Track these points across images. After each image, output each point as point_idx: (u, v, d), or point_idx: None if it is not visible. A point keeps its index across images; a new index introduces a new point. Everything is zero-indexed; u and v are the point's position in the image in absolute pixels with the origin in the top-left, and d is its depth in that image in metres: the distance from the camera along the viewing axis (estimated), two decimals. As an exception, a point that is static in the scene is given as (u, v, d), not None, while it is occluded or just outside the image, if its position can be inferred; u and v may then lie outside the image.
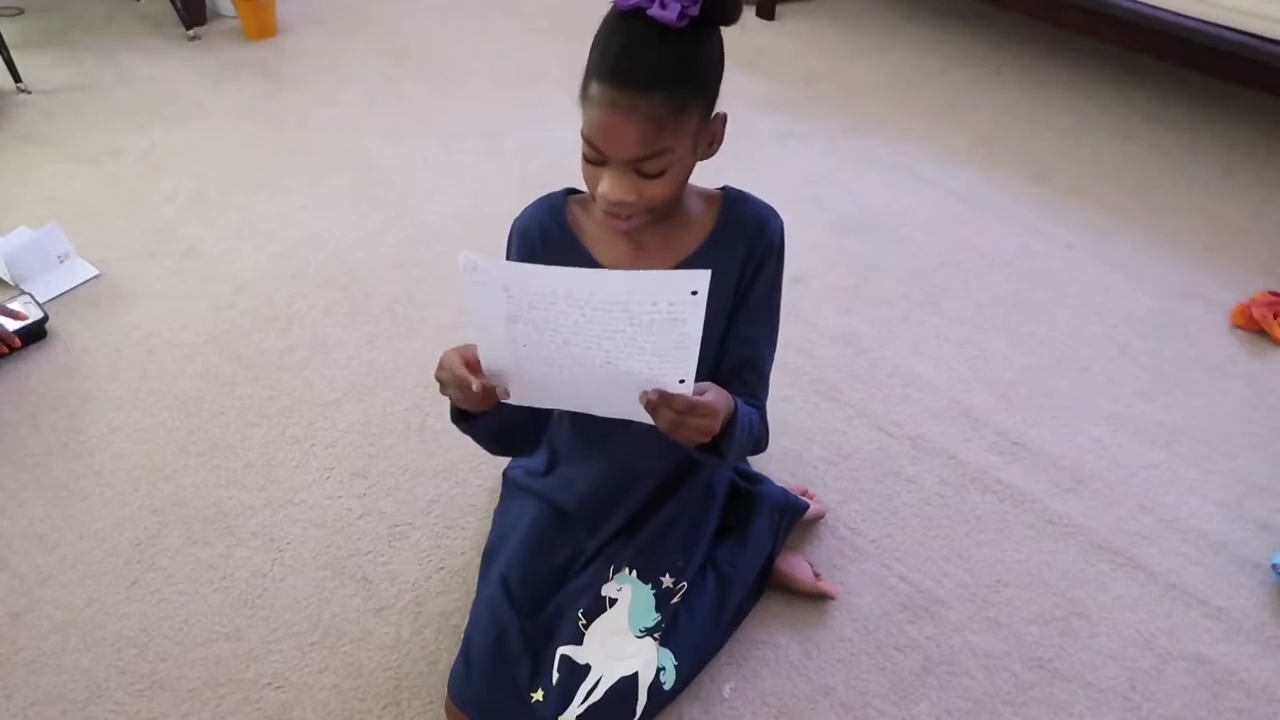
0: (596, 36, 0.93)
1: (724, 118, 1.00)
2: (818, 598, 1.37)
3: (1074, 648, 1.34)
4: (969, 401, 1.71)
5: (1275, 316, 1.88)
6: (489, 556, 1.33)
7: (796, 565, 1.39)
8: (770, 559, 1.36)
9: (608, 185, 0.95)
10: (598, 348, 0.87)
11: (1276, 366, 1.82)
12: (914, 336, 1.85)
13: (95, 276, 1.95)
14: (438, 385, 0.98)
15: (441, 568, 1.41)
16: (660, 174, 0.95)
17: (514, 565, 1.25)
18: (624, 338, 0.85)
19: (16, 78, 2.58)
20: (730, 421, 1.00)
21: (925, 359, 1.80)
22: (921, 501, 1.53)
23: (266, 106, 2.59)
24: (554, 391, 0.99)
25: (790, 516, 1.40)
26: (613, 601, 1.21)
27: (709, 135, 1.00)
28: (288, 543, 1.44)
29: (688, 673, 1.23)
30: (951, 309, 1.93)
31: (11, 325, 1.73)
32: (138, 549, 1.43)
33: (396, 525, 1.47)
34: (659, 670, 1.18)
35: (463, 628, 1.25)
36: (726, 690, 1.27)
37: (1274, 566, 1.43)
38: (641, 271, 0.81)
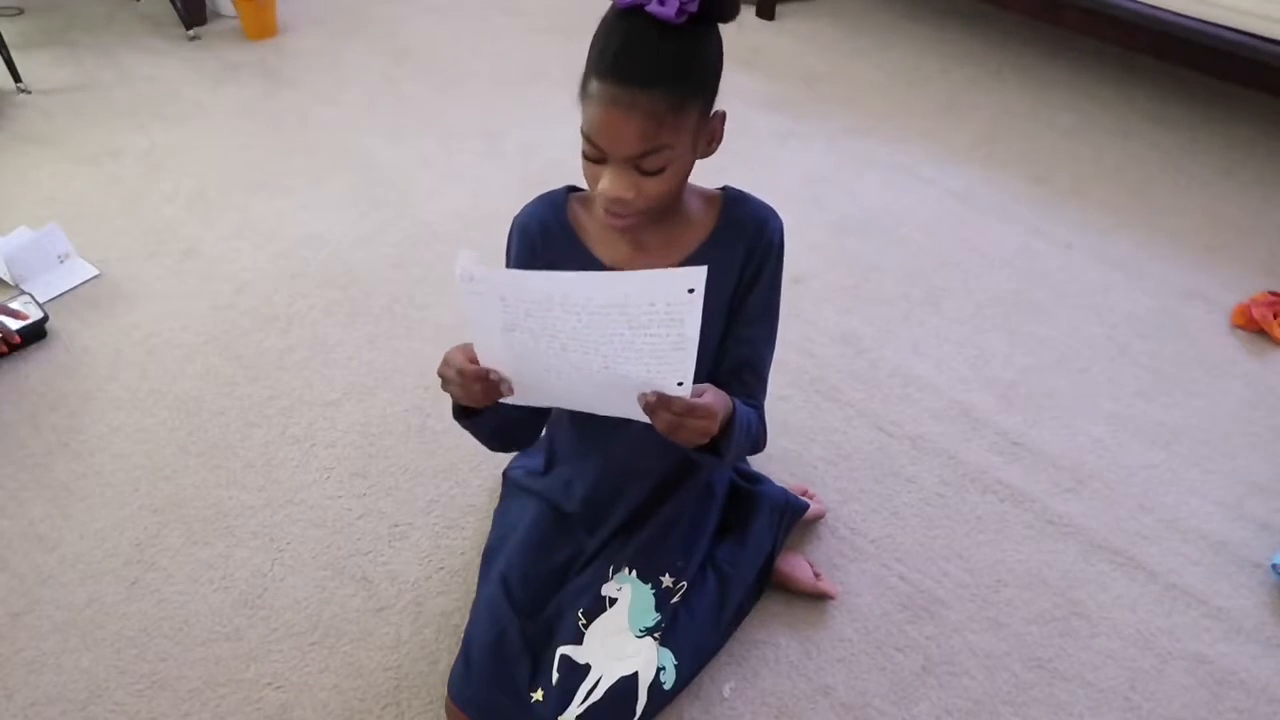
0: (596, 34, 0.94)
1: (723, 115, 1.00)
2: (818, 598, 1.37)
3: (1074, 648, 1.34)
4: (969, 401, 1.71)
5: (1275, 316, 1.88)
6: (489, 556, 1.33)
7: (796, 565, 1.39)
8: (770, 559, 1.36)
9: (607, 182, 0.95)
10: (595, 352, 0.87)
11: (1276, 366, 1.82)
12: (914, 336, 1.85)
13: (95, 276, 1.95)
14: (439, 383, 0.98)
15: (441, 568, 1.41)
16: (660, 171, 0.95)
17: (514, 565, 1.25)
18: (621, 341, 0.85)
19: (16, 78, 2.58)
20: (729, 422, 1.00)
21: (925, 359, 1.80)
22: (921, 501, 1.53)
23: (266, 106, 2.59)
24: (553, 393, 0.99)
25: (790, 516, 1.40)
26: (613, 601, 1.21)
27: (708, 133, 1.00)
28: (288, 543, 1.44)
29: (688, 672, 1.23)
30: (951, 309, 1.93)
31: (12, 325, 1.73)
32: (138, 549, 1.43)
33: (396, 525, 1.47)
34: (659, 670, 1.18)
35: (463, 628, 1.25)
36: (726, 690, 1.27)
37: (1274, 566, 1.43)
38: (638, 271, 0.81)
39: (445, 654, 1.29)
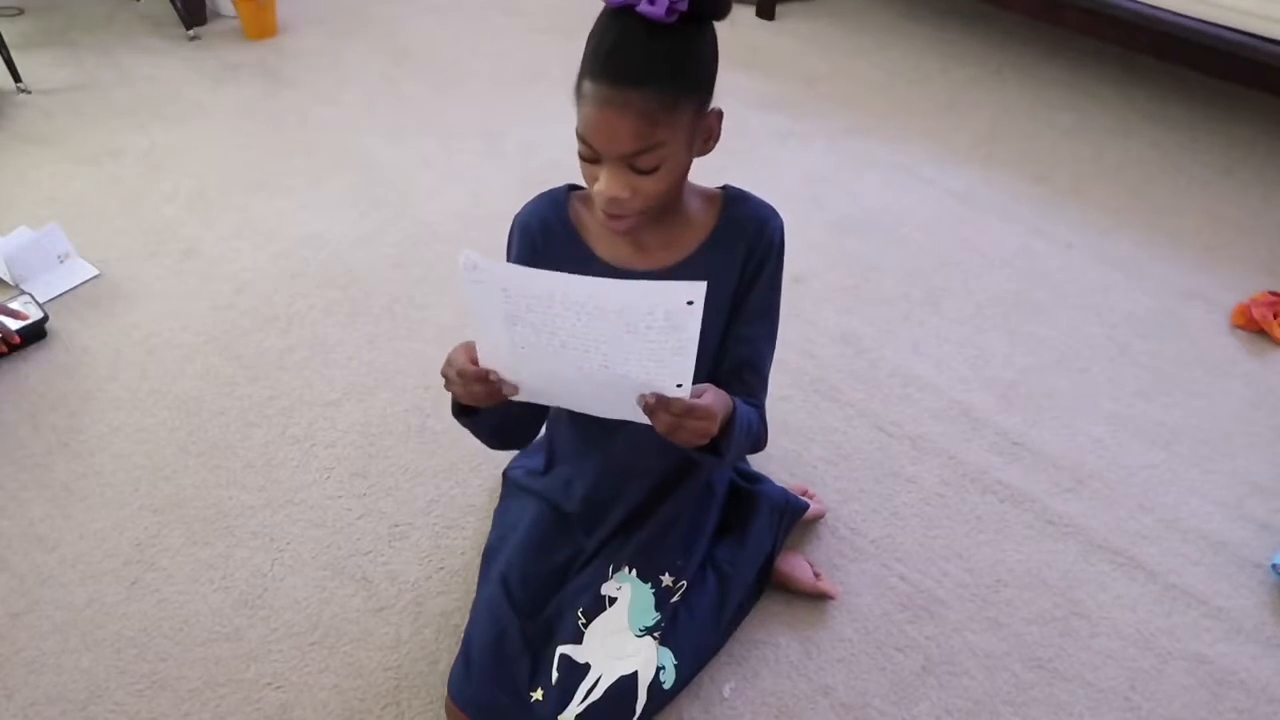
0: (590, 35, 0.94)
1: (720, 113, 1.00)
2: (818, 598, 1.37)
3: (1074, 648, 1.34)
4: (969, 401, 1.71)
5: (1275, 316, 1.88)
6: (489, 556, 1.33)
7: (796, 565, 1.39)
8: (770, 559, 1.36)
9: (603, 182, 0.96)
10: (595, 351, 0.87)
11: (1276, 366, 1.82)
12: (914, 336, 1.85)
13: (95, 276, 1.95)
14: (440, 383, 0.98)
15: (441, 568, 1.41)
16: (654, 170, 0.95)
17: (514, 565, 1.25)
18: (620, 343, 0.85)
19: (16, 78, 2.58)
20: (728, 423, 1.00)
21: (925, 359, 1.80)
22: (921, 501, 1.53)
23: (266, 106, 2.59)
24: (552, 392, 0.99)
25: (790, 516, 1.40)
26: (612, 600, 1.21)
27: (705, 131, 1.00)
28: (288, 543, 1.44)
29: (687, 672, 1.23)
30: (951, 309, 1.93)
31: (12, 325, 1.73)
32: (138, 549, 1.43)
33: (396, 525, 1.47)
34: (659, 669, 1.18)
35: (463, 628, 1.25)
36: (726, 690, 1.27)
37: (1274, 566, 1.43)
38: (638, 281, 0.81)
39: (445, 654, 1.29)
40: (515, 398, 0.98)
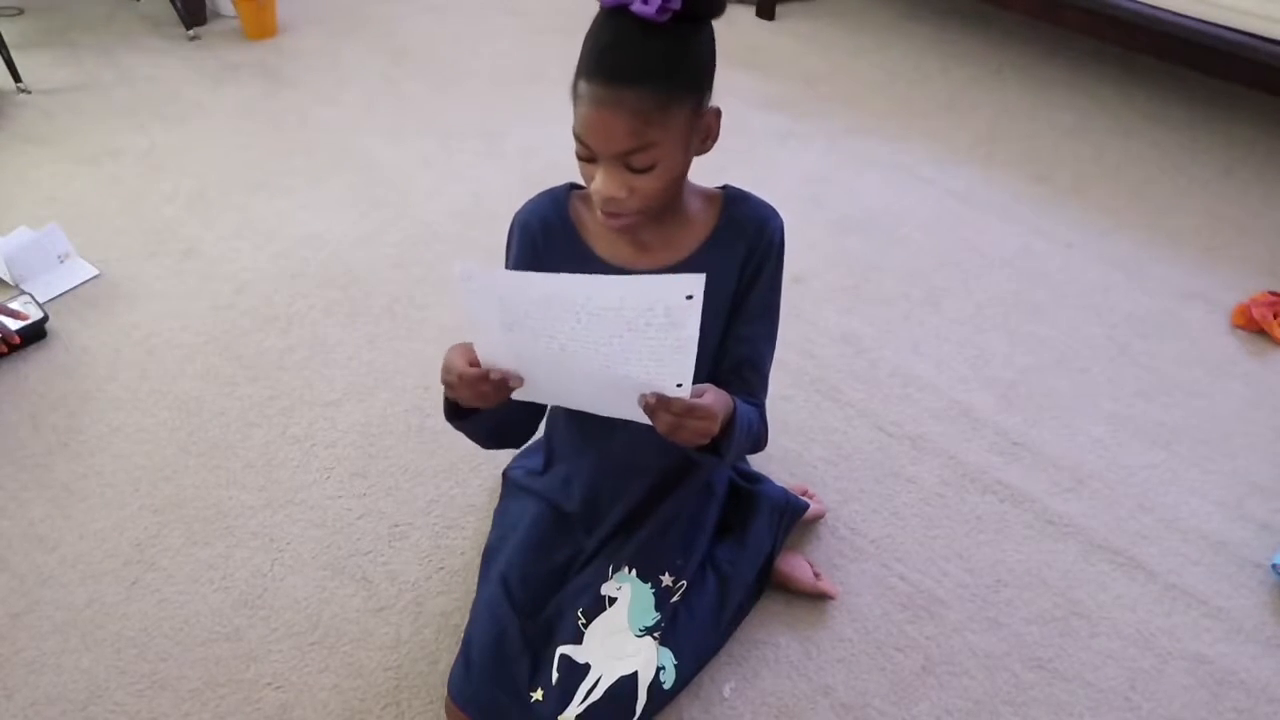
0: (586, 35, 0.94)
1: (718, 112, 1.00)
2: (818, 598, 1.37)
3: (1074, 648, 1.34)
4: (969, 401, 1.71)
5: (1275, 316, 1.88)
6: (489, 556, 1.33)
7: (796, 565, 1.39)
8: (770, 559, 1.36)
9: (600, 181, 0.96)
10: (595, 352, 0.87)
11: (1276, 366, 1.82)
12: (914, 336, 1.85)
13: (95, 276, 1.95)
14: (443, 386, 0.98)
15: (441, 568, 1.41)
16: (650, 168, 0.95)
17: (514, 565, 1.25)
18: (620, 343, 0.85)
19: (16, 78, 2.59)
20: (729, 423, 1.00)
21: (925, 359, 1.80)
22: (921, 501, 1.53)
23: (266, 106, 2.59)
24: (554, 392, 0.99)
25: (790, 516, 1.40)
26: (612, 601, 1.21)
27: (702, 130, 1.00)
28: (288, 543, 1.44)
29: (687, 672, 1.23)
30: (951, 309, 1.93)
31: (12, 325, 1.74)
32: (138, 549, 1.43)
33: (396, 525, 1.47)
34: (659, 669, 1.18)
35: (463, 628, 1.25)
36: (726, 690, 1.27)
37: (1274, 566, 1.43)
38: (636, 276, 0.81)
39: (445, 654, 1.29)
40: (518, 397, 0.98)
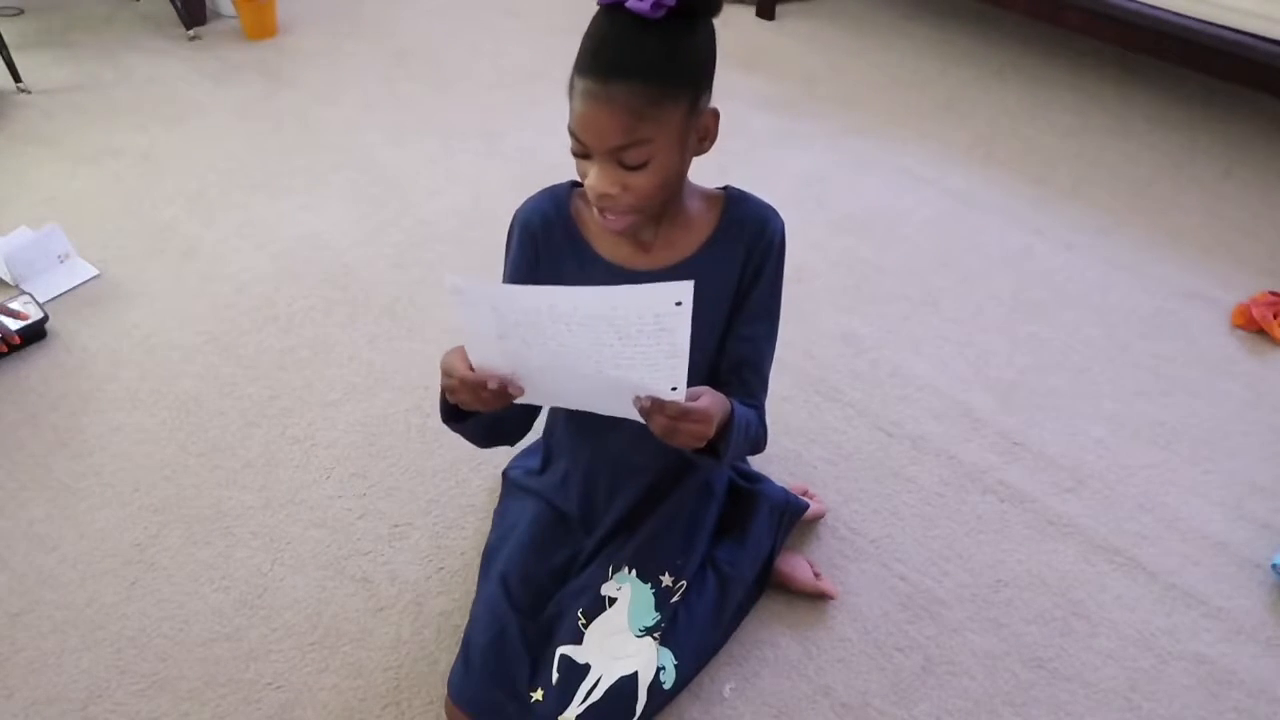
0: (584, 34, 0.94)
1: (716, 114, 1.00)
2: (818, 598, 1.37)
3: (1074, 648, 1.34)
4: (969, 401, 1.71)
5: (1275, 316, 1.88)
6: (489, 556, 1.33)
7: (796, 565, 1.39)
8: (770, 559, 1.36)
9: (593, 178, 0.96)
10: (587, 359, 0.87)
11: (1276, 366, 1.82)
12: (914, 336, 1.85)
13: (95, 276, 1.95)
14: (443, 389, 0.98)
15: (441, 568, 1.41)
16: (643, 165, 0.95)
17: (514, 565, 1.25)
18: (612, 350, 0.85)
19: (16, 78, 2.58)
20: (726, 425, 1.00)
21: (925, 359, 1.80)
22: (921, 501, 1.53)
23: (266, 106, 2.59)
24: (552, 395, 0.99)
25: (790, 516, 1.40)
26: (612, 601, 1.21)
27: (699, 130, 1.00)
28: (288, 543, 1.44)
29: (687, 672, 1.23)
30: (951, 309, 1.93)
31: (12, 325, 1.74)
32: (138, 549, 1.43)
33: (396, 525, 1.47)
34: (659, 670, 1.18)
35: (463, 628, 1.25)
36: (726, 690, 1.27)
37: (1274, 566, 1.43)
38: (625, 286, 0.81)
39: (445, 654, 1.29)
40: (517, 400, 0.98)
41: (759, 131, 2.50)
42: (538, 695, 1.14)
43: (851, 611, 1.37)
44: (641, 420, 0.94)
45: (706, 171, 1.12)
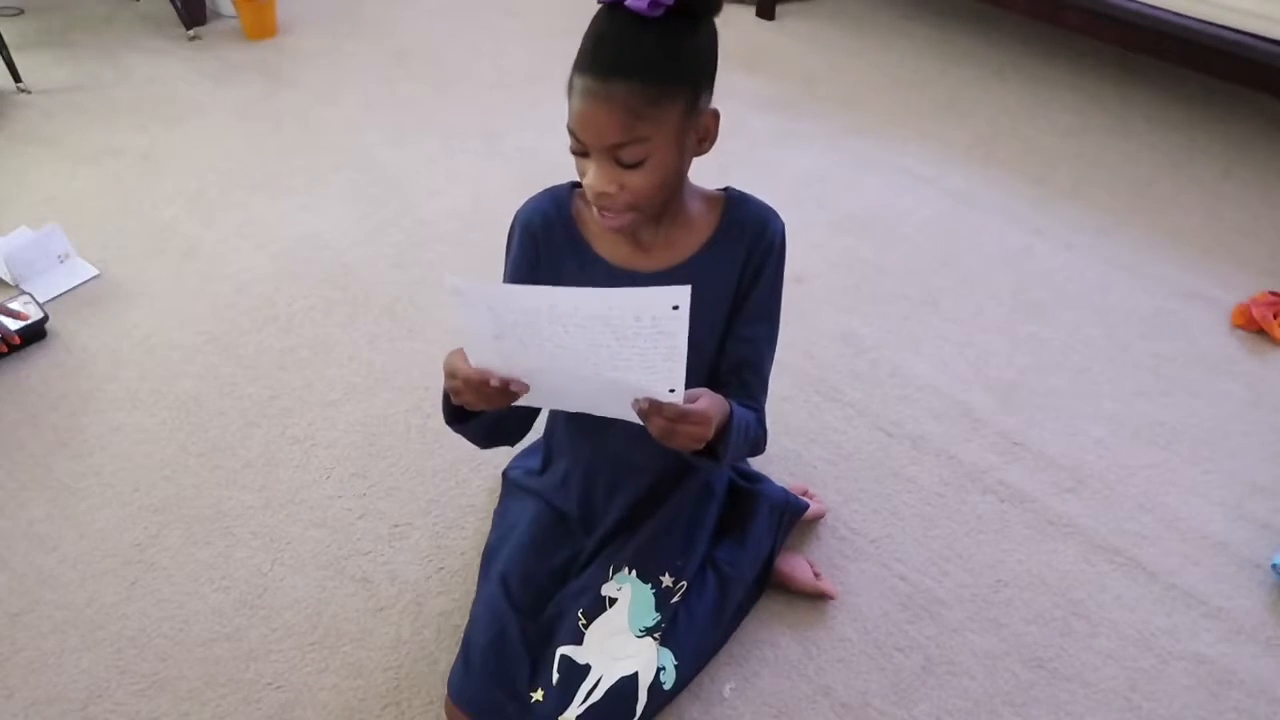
0: (584, 33, 0.95)
1: (716, 114, 1.00)
2: (818, 598, 1.37)
3: (1074, 648, 1.34)
4: (969, 401, 1.71)
5: (1275, 316, 1.88)
6: (489, 556, 1.33)
7: (796, 565, 1.39)
8: (770, 559, 1.36)
9: (591, 176, 0.97)
10: (585, 361, 0.88)
11: (1276, 366, 1.82)
12: (914, 336, 1.85)
13: (95, 276, 1.95)
14: (441, 386, 0.98)
15: (441, 568, 1.41)
16: (640, 164, 0.95)
17: (514, 565, 1.25)
18: (610, 351, 0.85)
19: (16, 78, 2.58)
20: (724, 427, 1.00)
21: (925, 359, 1.80)
22: (921, 501, 1.53)
23: (266, 106, 2.59)
24: (549, 396, 0.99)
25: (790, 516, 1.40)
26: (612, 601, 1.21)
27: (699, 130, 1.00)
28: (288, 543, 1.44)
29: (688, 672, 1.23)
30: (951, 309, 1.93)
31: (12, 325, 1.74)
32: (138, 549, 1.43)
33: (396, 525, 1.47)
34: (659, 670, 1.18)
35: (463, 628, 1.25)
36: (726, 690, 1.27)
37: (1274, 566, 1.43)
38: (623, 289, 0.81)
39: (445, 654, 1.29)
40: (517, 403, 0.98)
41: (759, 131, 2.50)
42: (538, 695, 1.14)
43: (851, 611, 1.37)
44: (637, 421, 0.94)
45: (706, 172, 1.12)
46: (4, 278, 1.92)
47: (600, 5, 0.94)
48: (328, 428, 1.63)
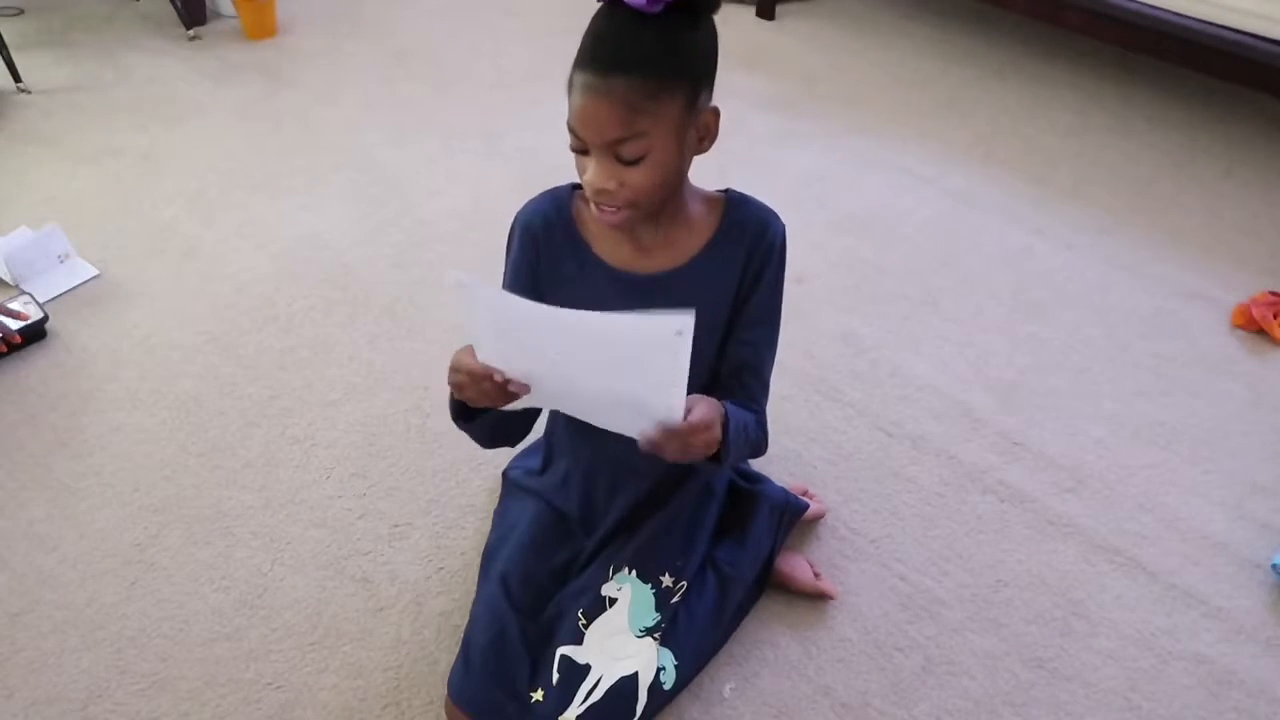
0: (585, 31, 0.95)
1: (716, 112, 1.00)
2: (818, 598, 1.37)
3: (1074, 648, 1.34)
4: (969, 401, 1.71)
5: (1275, 316, 1.88)
6: (489, 556, 1.33)
7: (796, 565, 1.39)
8: (770, 559, 1.36)
9: (590, 172, 0.97)
10: (583, 373, 0.88)
11: (1276, 366, 1.82)
12: (914, 336, 1.85)
13: (95, 276, 1.95)
14: (440, 384, 0.98)
15: (441, 568, 1.41)
16: (639, 160, 0.95)
17: (514, 565, 1.25)
18: (610, 367, 0.86)
19: (16, 78, 2.58)
20: (724, 428, 1.00)
21: (925, 359, 1.80)
22: (921, 501, 1.53)
23: (266, 106, 2.59)
24: (548, 399, 0.99)
25: (790, 516, 1.40)
26: (612, 601, 1.21)
27: (699, 128, 1.00)
28: (288, 543, 1.44)
29: (688, 672, 1.23)
30: (951, 309, 1.93)
31: (12, 325, 1.74)
32: (138, 549, 1.43)
33: (396, 525, 1.47)
34: (659, 670, 1.18)
35: (463, 628, 1.25)
36: (726, 690, 1.27)
37: (1274, 566, 1.43)
38: (625, 315, 0.81)
39: (445, 654, 1.29)
40: (517, 405, 0.98)
41: (759, 131, 2.50)
42: (538, 695, 1.14)
43: (851, 611, 1.37)
44: (633, 434, 0.94)
45: (706, 171, 1.12)
46: (4, 278, 1.92)
47: (600, 3, 0.94)
48: (328, 428, 1.63)
